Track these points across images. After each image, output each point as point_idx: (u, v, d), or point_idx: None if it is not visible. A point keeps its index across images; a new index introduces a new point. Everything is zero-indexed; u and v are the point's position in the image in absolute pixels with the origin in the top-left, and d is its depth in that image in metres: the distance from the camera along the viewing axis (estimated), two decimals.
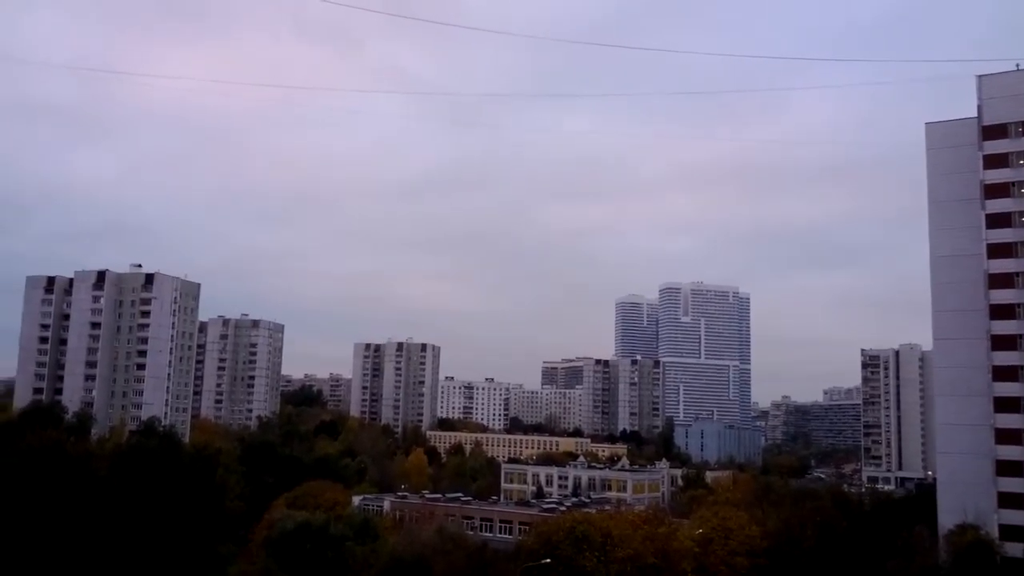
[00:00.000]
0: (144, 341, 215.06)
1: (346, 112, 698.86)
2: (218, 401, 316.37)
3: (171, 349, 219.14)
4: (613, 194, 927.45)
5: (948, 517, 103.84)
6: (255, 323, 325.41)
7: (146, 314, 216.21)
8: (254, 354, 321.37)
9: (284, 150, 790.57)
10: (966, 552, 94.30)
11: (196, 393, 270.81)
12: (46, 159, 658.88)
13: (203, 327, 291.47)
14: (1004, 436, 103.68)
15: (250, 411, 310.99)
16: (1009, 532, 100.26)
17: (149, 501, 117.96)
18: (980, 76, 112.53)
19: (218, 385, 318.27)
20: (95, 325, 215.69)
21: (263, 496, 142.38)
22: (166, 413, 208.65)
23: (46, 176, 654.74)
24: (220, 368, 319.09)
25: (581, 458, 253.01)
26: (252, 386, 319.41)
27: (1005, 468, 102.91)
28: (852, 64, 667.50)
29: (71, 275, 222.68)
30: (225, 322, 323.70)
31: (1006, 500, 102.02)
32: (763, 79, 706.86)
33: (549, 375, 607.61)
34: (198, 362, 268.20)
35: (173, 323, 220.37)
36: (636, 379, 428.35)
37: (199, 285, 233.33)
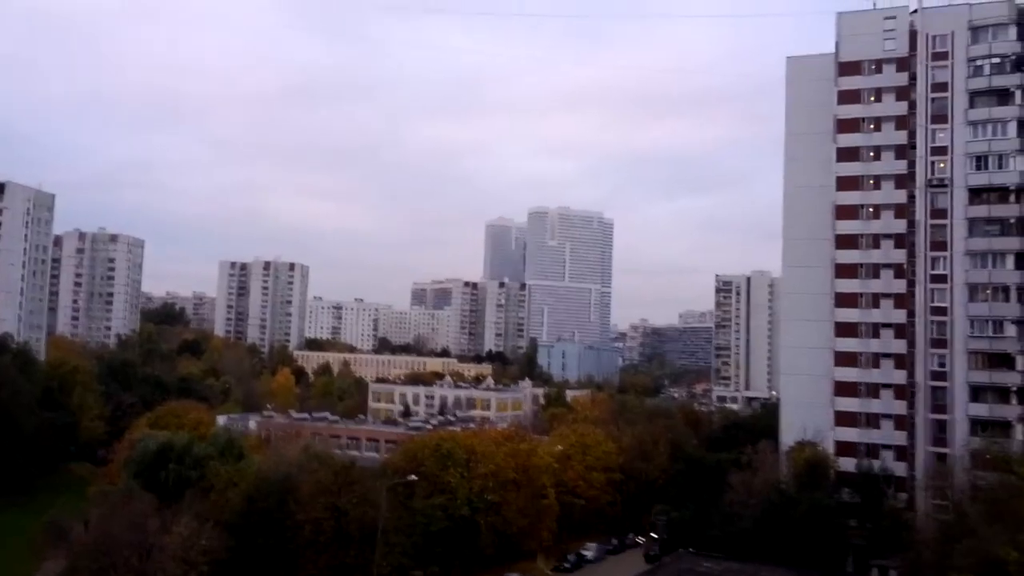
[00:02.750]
0: None
1: (216, 15, 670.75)
2: (74, 318, 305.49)
3: (24, 263, 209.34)
4: (489, 115, 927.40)
5: (789, 435, 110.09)
6: (113, 237, 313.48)
7: None
8: (112, 269, 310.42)
9: (150, 54, 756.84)
10: (804, 467, 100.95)
11: (51, 309, 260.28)
12: None
13: (58, 241, 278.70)
14: (842, 359, 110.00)
15: (108, 329, 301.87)
16: (843, 448, 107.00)
17: (1, 419, 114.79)
18: (839, 13, 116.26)
19: (74, 301, 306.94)
20: None
21: (124, 416, 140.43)
22: (19, 330, 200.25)
23: None
24: (77, 284, 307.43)
25: (448, 378, 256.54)
26: (111, 303, 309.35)
27: (841, 389, 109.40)
28: None
29: None
30: (81, 236, 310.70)
31: (841, 419, 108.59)
32: (642, 6, 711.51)
33: (418, 296, 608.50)
34: (53, 277, 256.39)
35: (26, 235, 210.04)
36: (503, 301, 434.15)
37: (54, 196, 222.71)
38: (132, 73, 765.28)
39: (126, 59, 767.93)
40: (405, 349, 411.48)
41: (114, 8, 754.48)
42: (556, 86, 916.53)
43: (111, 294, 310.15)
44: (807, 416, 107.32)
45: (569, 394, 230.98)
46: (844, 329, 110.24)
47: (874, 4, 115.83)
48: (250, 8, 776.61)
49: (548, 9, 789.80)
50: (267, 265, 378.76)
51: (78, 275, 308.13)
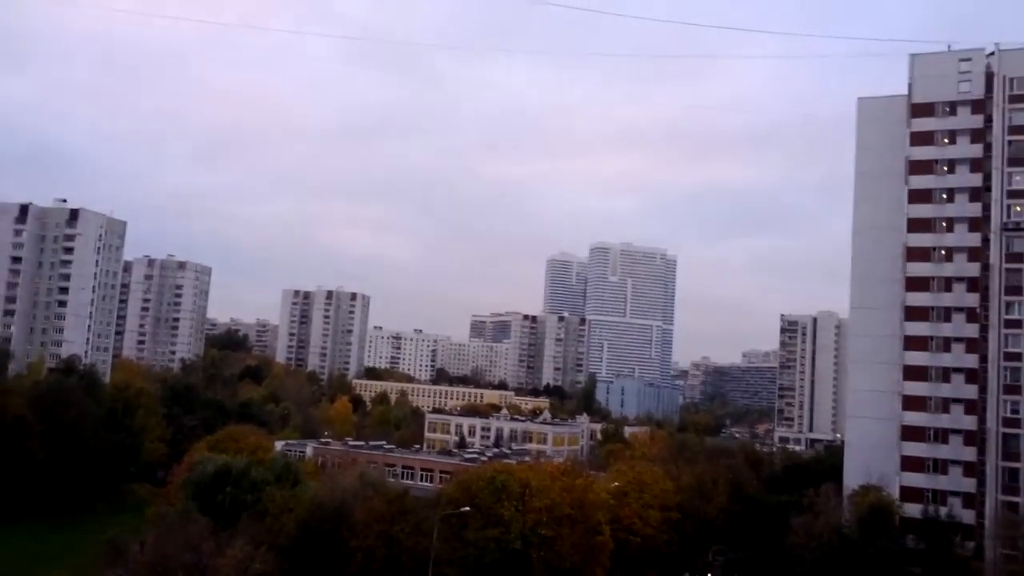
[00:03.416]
0: (66, 278, 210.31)
1: (278, 50, 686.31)
2: (141, 342, 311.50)
3: (94, 287, 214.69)
4: (549, 151, 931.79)
5: (853, 478, 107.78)
6: (181, 264, 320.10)
7: (69, 250, 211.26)
8: (179, 296, 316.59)
9: (215, 87, 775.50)
10: (868, 511, 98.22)
11: (119, 333, 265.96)
12: None
13: (128, 266, 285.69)
14: (910, 403, 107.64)
15: (173, 353, 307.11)
16: (909, 494, 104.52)
17: (66, 439, 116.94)
18: (912, 55, 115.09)
19: (141, 326, 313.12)
20: (16, 260, 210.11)
21: (184, 439, 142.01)
22: (87, 352, 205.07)
23: None
24: (144, 309, 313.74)
25: (504, 410, 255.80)
26: (176, 328, 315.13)
27: (909, 433, 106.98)
28: (791, 36, 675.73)
29: None
30: (151, 262, 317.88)
31: (908, 464, 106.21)
32: (703, 45, 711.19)
33: (477, 328, 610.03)
34: (121, 302, 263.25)
35: (97, 261, 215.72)
36: (562, 335, 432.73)
37: (125, 223, 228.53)
38: (199, 105, 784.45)
39: (194, 91, 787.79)
40: (463, 380, 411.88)
41: (184, 39, 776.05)
42: (614, 123, 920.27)
43: (177, 319, 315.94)
44: (872, 460, 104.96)
45: (627, 430, 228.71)
46: (913, 373, 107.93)
47: (949, 47, 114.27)
48: (313, 46, 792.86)
49: (606, 47, 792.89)
50: (329, 294, 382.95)
51: (146, 300, 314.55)
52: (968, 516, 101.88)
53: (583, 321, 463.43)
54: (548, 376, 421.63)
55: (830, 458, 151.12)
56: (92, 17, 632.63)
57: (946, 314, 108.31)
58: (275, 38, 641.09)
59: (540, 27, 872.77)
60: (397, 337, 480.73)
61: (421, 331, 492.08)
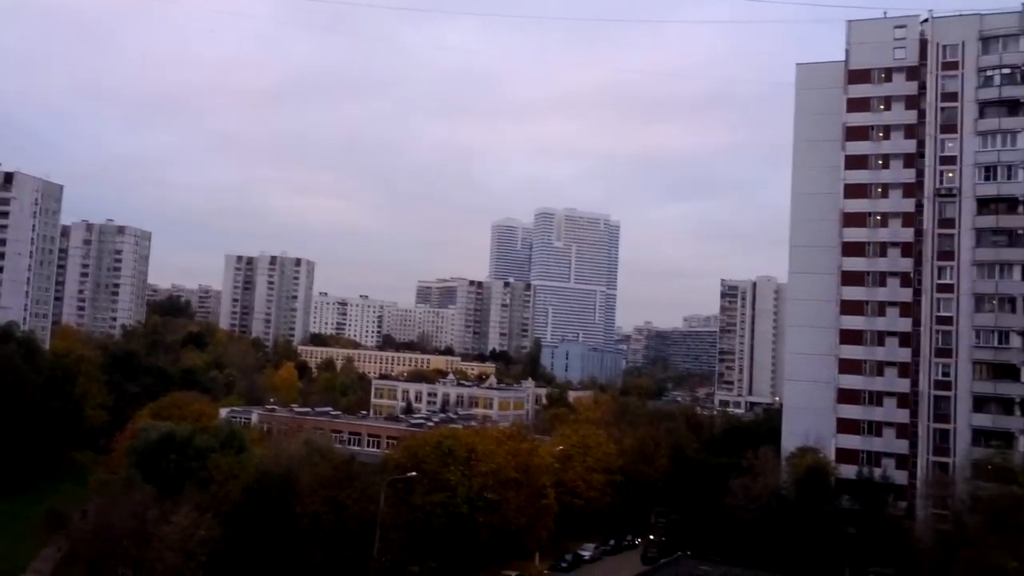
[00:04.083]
0: (2, 243, 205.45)
1: (212, 11, 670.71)
2: (80, 308, 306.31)
3: (31, 252, 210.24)
4: (494, 115, 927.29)
5: (791, 440, 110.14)
6: (121, 229, 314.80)
7: (4, 215, 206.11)
8: (119, 261, 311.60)
9: (148, 50, 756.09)
10: (805, 473, 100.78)
11: (58, 299, 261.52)
12: None
13: (66, 231, 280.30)
14: (846, 366, 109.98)
15: (114, 319, 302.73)
16: (844, 455, 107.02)
17: (5, 407, 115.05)
18: (849, 22, 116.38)
19: (80, 291, 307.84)
20: None
21: (127, 406, 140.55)
22: (25, 319, 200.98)
23: None
24: (83, 274, 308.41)
25: (451, 376, 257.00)
26: (117, 294, 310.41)
27: (845, 396, 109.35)
28: (735, 1, 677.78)
29: None
30: (89, 227, 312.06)
31: (843, 426, 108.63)
32: (648, 10, 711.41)
33: (423, 294, 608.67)
34: (60, 267, 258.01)
35: (33, 225, 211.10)
36: (508, 301, 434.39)
37: (62, 187, 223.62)
38: (136, 68, 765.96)
39: (130, 54, 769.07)
40: (409, 347, 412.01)
41: (117, 4, 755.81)
42: (559, 88, 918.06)
43: (117, 285, 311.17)
44: (809, 422, 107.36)
45: (572, 395, 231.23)
46: (849, 336, 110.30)
47: (884, 13, 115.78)
48: (253, 5, 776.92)
49: (550, 11, 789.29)
50: (273, 260, 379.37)
51: (85, 266, 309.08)
52: (901, 477, 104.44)
53: (528, 287, 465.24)
54: (494, 342, 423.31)
55: (768, 421, 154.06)
56: None
57: (881, 279, 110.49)
58: None
59: None
60: (343, 303, 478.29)
61: (367, 297, 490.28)
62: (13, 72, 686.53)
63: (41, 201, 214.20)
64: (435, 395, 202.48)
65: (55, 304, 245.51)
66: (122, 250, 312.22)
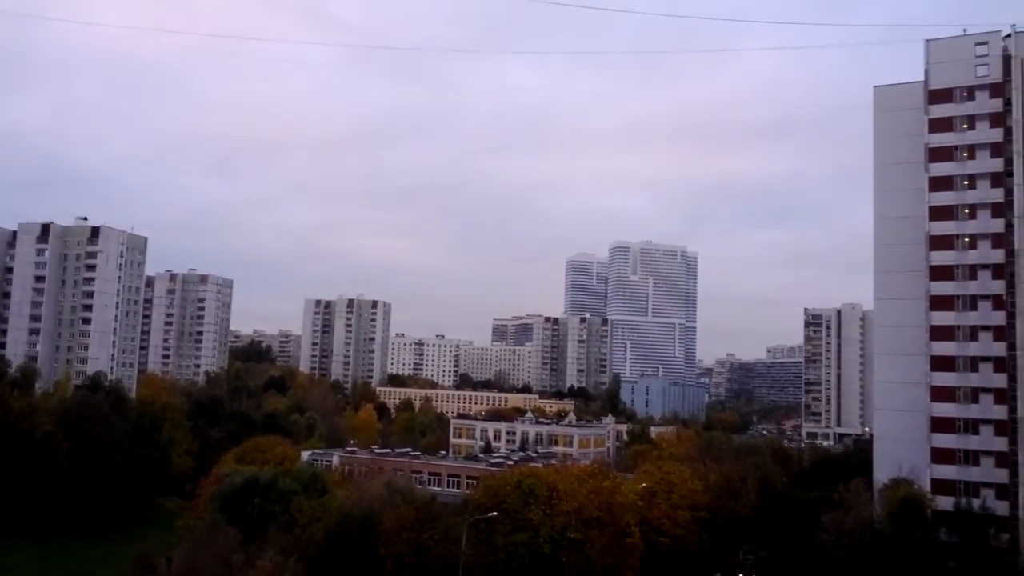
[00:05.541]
0: (90, 295, 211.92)
1: (277, 61, 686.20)
2: (165, 356, 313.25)
3: (117, 304, 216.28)
4: (560, 150, 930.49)
5: (883, 472, 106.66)
6: (203, 278, 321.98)
7: (92, 268, 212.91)
8: (202, 309, 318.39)
9: (218, 100, 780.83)
10: (899, 505, 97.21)
11: (143, 348, 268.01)
12: None
13: (150, 281, 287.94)
14: (939, 394, 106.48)
15: (198, 366, 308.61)
16: (940, 486, 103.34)
17: (95, 455, 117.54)
18: (928, 40, 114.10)
19: (165, 340, 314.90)
20: (39, 279, 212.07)
21: (211, 451, 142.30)
22: (112, 368, 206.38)
23: None
24: (167, 323, 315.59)
25: (529, 414, 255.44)
26: (200, 341, 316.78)
27: (939, 425, 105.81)
28: (799, 25, 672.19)
29: (14, 227, 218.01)
30: (173, 277, 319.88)
31: (938, 455, 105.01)
32: (709, 39, 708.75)
33: (499, 332, 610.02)
34: (145, 317, 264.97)
35: (119, 277, 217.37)
36: (584, 336, 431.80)
37: (146, 239, 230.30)
38: (213, 120, 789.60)
39: (208, 106, 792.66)
40: (486, 385, 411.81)
41: (193, 58, 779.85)
42: (621, 120, 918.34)
43: (200, 333, 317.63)
44: (902, 453, 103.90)
45: (653, 430, 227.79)
46: (941, 363, 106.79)
47: (964, 30, 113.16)
48: (320, 56, 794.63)
49: (611, 44, 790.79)
50: (350, 303, 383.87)
51: (169, 315, 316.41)
52: (1002, 508, 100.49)
53: (605, 322, 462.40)
54: (571, 378, 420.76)
55: (859, 452, 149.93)
56: (96, 35, 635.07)
57: (972, 302, 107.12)
58: (273, 48, 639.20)
59: (541, 26, 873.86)
60: (419, 343, 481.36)
61: (443, 336, 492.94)
62: (97, 127, 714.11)
63: (126, 253, 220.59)
64: (514, 433, 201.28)
65: (140, 353, 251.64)
66: (205, 298, 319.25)
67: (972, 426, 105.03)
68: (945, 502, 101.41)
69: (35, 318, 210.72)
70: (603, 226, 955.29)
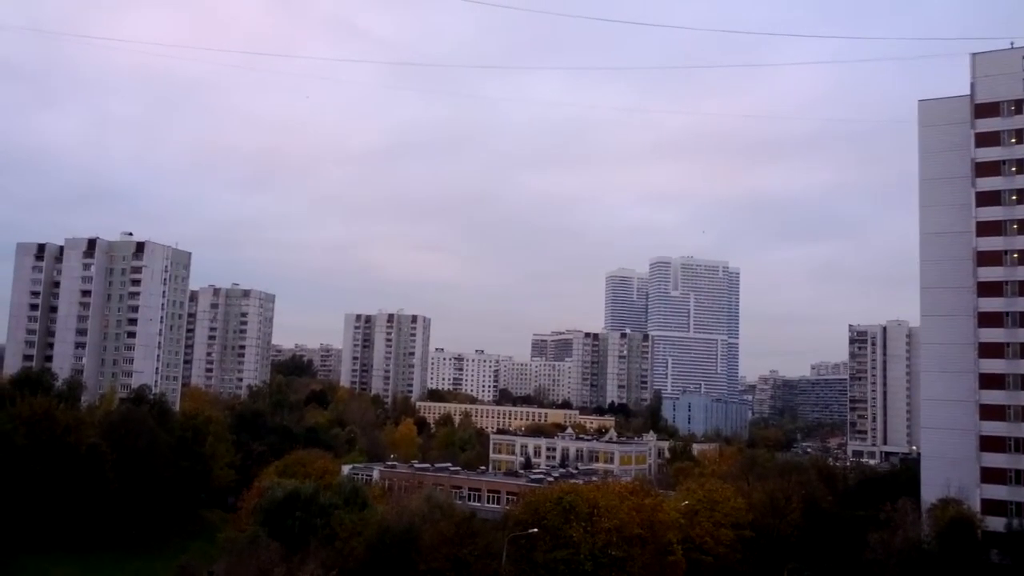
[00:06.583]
0: (135, 309, 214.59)
1: (310, 77, 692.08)
2: (208, 370, 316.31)
3: (162, 318, 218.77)
4: (593, 164, 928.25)
5: (931, 491, 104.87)
6: (246, 293, 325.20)
7: (137, 282, 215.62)
8: (244, 323, 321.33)
9: (254, 116, 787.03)
10: (948, 526, 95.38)
11: (187, 362, 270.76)
12: (9, 123, 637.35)
13: (194, 296, 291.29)
14: (988, 412, 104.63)
15: (240, 380, 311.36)
16: (991, 507, 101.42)
17: (139, 467, 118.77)
18: (974, 54, 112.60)
19: (208, 354, 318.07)
20: (85, 293, 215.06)
21: (253, 464, 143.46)
22: (156, 381, 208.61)
23: (11, 141, 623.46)
24: (211, 337, 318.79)
25: (569, 430, 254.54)
26: (242, 355, 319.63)
27: (988, 444, 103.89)
28: (834, 39, 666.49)
29: (60, 242, 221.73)
30: (216, 291, 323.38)
31: (989, 475, 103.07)
32: (749, 51, 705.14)
33: (538, 347, 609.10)
34: (188, 331, 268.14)
35: (164, 292, 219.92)
36: (625, 352, 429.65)
37: (190, 254, 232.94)
38: (252, 135, 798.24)
39: (246, 122, 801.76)
40: (526, 400, 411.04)
41: (231, 75, 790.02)
42: (656, 135, 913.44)
43: (243, 347, 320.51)
44: (951, 472, 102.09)
45: (695, 448, 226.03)
46: (990, 381, 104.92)
47: (1012, 43, 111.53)
48: (354, 73, 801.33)
49: (648, 59, 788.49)
50: (390, 318, 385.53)
51: (212, 329, 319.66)
52: None
53: (646, 337, 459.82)
54: (612, 394, 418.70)
55: (906, 471, 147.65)
56: (135, 53, 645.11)
57: (1021, 319, 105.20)
58: (306, 64, 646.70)
59: (573, 41, 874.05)
60: (459, 358, 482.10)
61: (483, 351, 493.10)
62: (137, 143, 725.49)
63: (171, 268, 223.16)
64: (554, 449, 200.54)
65: (184, 367, 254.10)
66: (247, 313, 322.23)
67: (1023, 445, 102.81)
68: (996, 523, 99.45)
69: (81, 332, 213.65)
70: (638, 240, 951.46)
